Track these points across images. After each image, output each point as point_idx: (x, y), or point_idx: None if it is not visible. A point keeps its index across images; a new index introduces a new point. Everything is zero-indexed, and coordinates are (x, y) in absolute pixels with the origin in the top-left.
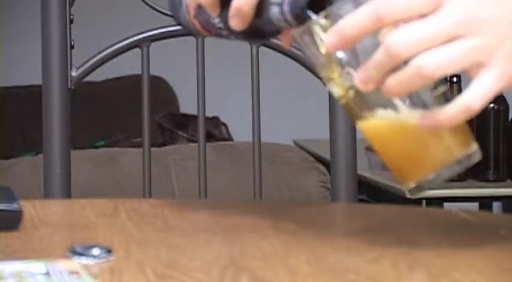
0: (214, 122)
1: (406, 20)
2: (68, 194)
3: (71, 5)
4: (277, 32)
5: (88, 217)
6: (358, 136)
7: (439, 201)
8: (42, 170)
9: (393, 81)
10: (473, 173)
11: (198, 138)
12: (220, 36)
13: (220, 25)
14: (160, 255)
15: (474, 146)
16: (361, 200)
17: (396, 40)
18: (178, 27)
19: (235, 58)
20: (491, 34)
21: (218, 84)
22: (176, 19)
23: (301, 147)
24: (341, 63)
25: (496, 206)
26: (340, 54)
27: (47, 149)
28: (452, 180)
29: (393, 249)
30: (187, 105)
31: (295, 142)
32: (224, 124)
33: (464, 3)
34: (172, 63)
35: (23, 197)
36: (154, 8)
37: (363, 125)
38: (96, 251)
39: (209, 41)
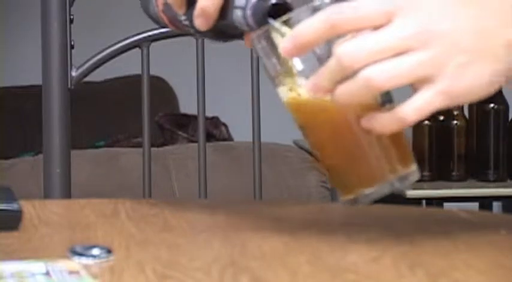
0: (214, 122)
1: (359, 30)
2: (68, 194)
3: (71, 5)
4: (242, 34)
5: (88, 217)
6: None
7: (439, 201)
8: (42, 170)
9: (342, 91)
10: (473, 173)
11: (198, 138)
12: (187, 32)
13: (187, 23)
14: (160, 255)
15: (414, 166)
16: None
17: (347, 51)
18: None
19: (235, 58)
20: (441, 48)
21: (218, 84)
22: (145, 11)
23: (301, 148)
24: (294, 70)
25: (496, 206)
26: (295, 61)
27: (47, 149)
28: (452, 180)
29: (393, 249)
30: (187, 105)
31: (295, 142)
32: (224, 124)
33: (415, 17)
34: (172, 63)
35: (23, 197)
36: None
37: (306, 132)
38: (96, 251)
39: (209, 41)
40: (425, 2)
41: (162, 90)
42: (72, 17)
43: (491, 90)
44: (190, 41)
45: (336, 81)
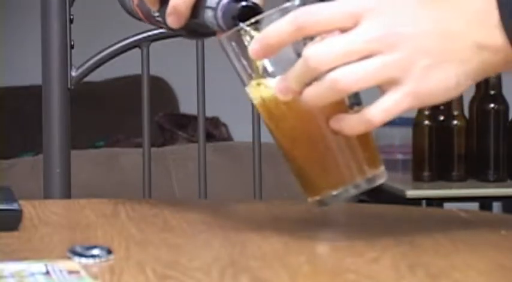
0: (214, 122)
1: (326, 32)
2: (68, 194)
3: (71, 5)
4: (214, 33)
5: (88, 217)
6: None
7: (439, 201)
8: (42, 170)
9: (309, 93)
10: (473, 173)
11: (198, 138)
12: (161, 28)
13: (160, 19)
14: (160, 255)
15: (382, 167)
16: (361, 200)
17: (314, 53)
18: None
19: None
20: (406, 51)
21: (218, 84)
22: (122, 4)
23: None
24: (262, 72)
25: (496, 206)
26: (264, 63)
27: (47, 149)
28: (452, 180)
29: (393, 249)
30: (187, 105)
31: None
32: (224, 124)
33: (381, 19)
34: (172, 63)
35: (23, 197)
36: None
37: (275, 133)
38: (96, 251)
39: (209, 41)
40: (391, 5)
41: (162, 90)
42: (72, 17)
43: (459, 91)
44: (190, 41)
45: (304, 83)
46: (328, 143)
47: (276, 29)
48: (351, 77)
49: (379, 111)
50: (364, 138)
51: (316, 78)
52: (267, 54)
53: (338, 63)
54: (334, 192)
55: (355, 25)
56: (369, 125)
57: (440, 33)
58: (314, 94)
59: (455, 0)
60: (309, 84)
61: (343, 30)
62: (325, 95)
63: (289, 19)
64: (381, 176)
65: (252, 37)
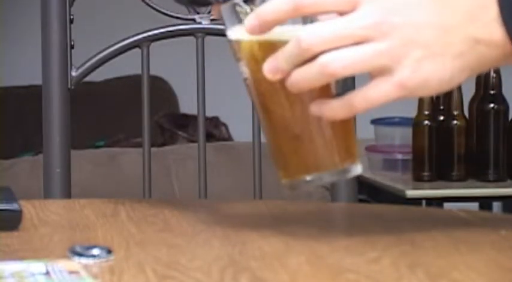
0: (214, 122)
1: (322, 13)
2: (68, 194)
3: (71, 5)
4: (210, 3)
5: (88, 217)
6: (358, 136)
7: (439, 201)
8: (42, 170)
9: (298, 75)
10: (473, 173)
11: (198, 138)
12: None
13: None
14: (160, 255)
15: (358, 161)
16: (361, 200)
17: (308, 35)
18: (178, 27)
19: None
20: (400, 40)
21: (218, 84)
22: None
23: None
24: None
25: (496, 206)
26: (258, 38)
27: (47, 149)
28: (452, 180)
29: (393, 249)
30: (187, 105)
31: None
32: (224, 124)
33: (378, 7)
34: (172, 63)
35: (23, 197)
36: (154, 8)
37: (259, 108)
38: (96, 251)
39: (209, 41)
40: None
41: (162, 90)
42: (72, 17)
43: (452, 85)
44: (190, 41)
45: (294, 64)
46: (309, 128)
47: (273, 6)
48: (340, 62)
49: (363, 98)
50: (345, 130)
51: (307, 60)
52: (262, 30)
53: (330, 46)
54: (308, 178)
55: (352, 9)
56: (351, 111)
57: (436, 25)
58: (302, 77)
59: None
60: (299, 66)
61: (340, 14)
62: (313, 78)
63: None
64: (355, 170)
65: (246, 13)
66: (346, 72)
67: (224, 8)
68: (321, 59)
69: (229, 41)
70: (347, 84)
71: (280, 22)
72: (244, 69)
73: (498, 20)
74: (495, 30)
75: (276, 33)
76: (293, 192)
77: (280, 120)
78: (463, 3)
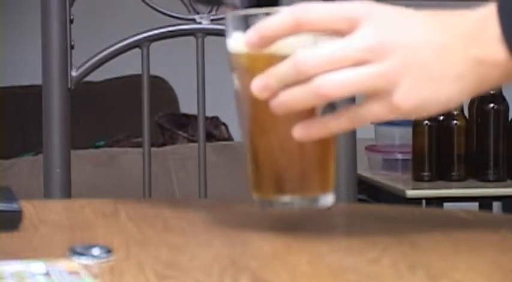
0: (214, 122)
1: (322, 31)
2: (68, 194)
3: (71, 5)
4: (222, 3)
5: (88, 217)
6: (358, 136)
7: (439, 201)
8: (42, 170)
9: (289, 95)
10: (473, 173)
11: (198, 138)
12: None
13: None
14: (160, 255)
15: (332, 192)
16: (361, 200)
17: (305, 56)
18: (178, 27)
19: None
20: (398, 62)
21: (218, 84)
22: None
23: None
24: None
25: (496, 206)
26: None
27: (47, 149)
28: (452, 180)
29: (393, 249)
30: (187, 105)
31: None
32: (224, 124)
33: (376, 27)
34: (172, 63)
35: (23, 197)
36: (154, 8)
37: (243, 122)
38: (96, 251)
39: (209, 41)
40: (388, 14)
41: (162, 90)
42: (72, 17)
43: (449, 106)
44: (190, 41)
45: (285, 84)
46: (289, 149)
47: (274, 21)
48: (335, 84)
49: (354, 117)
50: (325, 158)
51: (298, 81)
52: (262, 45)
53: (327, 68)
54: (277, 199)
55: (351, 28)
56: (339, 127)
57: (435, 45)
58: (294, 97)
59: (454, 13)
60: (288, 86)
61: (339, 32)
62: (305, 99)
63: (288, 13)
64: (326, 201)
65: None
66: (340, 94)
67: (228, 16)
68: (317, 81)
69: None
70: (332, 105)
71: (280, 38)
72: (236, 81)
73: (500, 39)
74: (497, 49)
75: (272, 49)
76: (262, 210)
77: (262, 137)
78: (463, 23)
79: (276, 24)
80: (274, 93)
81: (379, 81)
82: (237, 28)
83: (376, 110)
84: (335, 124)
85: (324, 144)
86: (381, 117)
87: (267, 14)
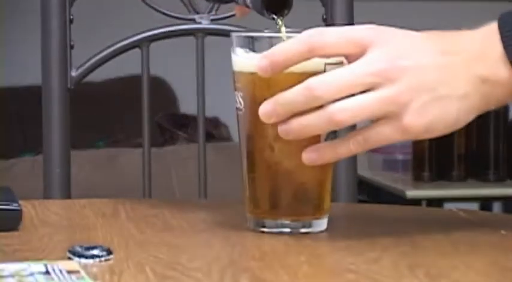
0: (214, 122)
1: (334, 55)
2: (68, 194)
3: (70, 5)
4: (236, 2)
5: (88, 217)
6: None
7: (439, 201)
8: (42, 170)
9: (301, 122)
10: (473, 173)
11: (198, 138)
12: None
13: None
14: (160, 255)
15: (325, 217)
16: (361, 200)
17: (317, 83)
18: (178, 27)
19: None
20: (407, 85)
21: (218, 84)
22: None
23: None
24: None
25: (496, 206)
26: None
27: (47, 149)
28: (452, 180)
29: (393, 249)
30: (187, 105)
31: None
32: (224, 124)
33: (385, 52)
34: (172, 63)
35: (23, 197)
36: (154, 8)
37: (244, 141)
38: (96, 251)
39: (209, 41)
40: (395, 37)
41: (162, 90)
42: (72, 17)
43: (457, 127)
44: (190, 41)
45: (296, 111)
46: (287, 174)
47: (286, 47)
48: (349, 111)
49: (364, 140)
50: (322, 183)
51: (308, 107)
52: (275, 71)
53: (339, 95)
54: (271, 222)
55: (361, 52)
56: (352, 152)
57: (441, 67)
58: (307, 124)
59: (457, 33)
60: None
61: (348, 56)
62: (319, 126)
63: (301, 39)
64: (319, 226)
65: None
66: (354, 120)
67: (235, 36)
68: (330, 108)
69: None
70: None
71: (291, 64)
72: (240, 100)
73: (503, 59)
74: (500, 69)
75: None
76: (256, 228)
77: (262, 160)
78: (468, 44)
79: (288, 50)
80: (282, 119)
81: (389, 105)
82: (241, 46)
83: (387, 133)
84: (345, 148)
85: (321, 168)
86: (392, 139)
87: (270, 37)
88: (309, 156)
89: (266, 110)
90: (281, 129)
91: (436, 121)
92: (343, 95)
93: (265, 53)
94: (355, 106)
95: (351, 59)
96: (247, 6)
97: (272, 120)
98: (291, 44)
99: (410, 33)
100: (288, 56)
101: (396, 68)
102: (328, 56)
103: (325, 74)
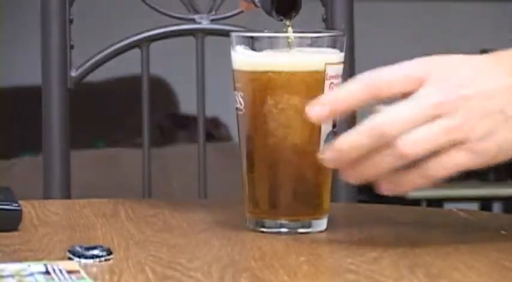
0: (214, 122)
1: (394, 95)
2: (68, 194)
3: (70, 5)
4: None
5: (88, 217)
6: None
7: (439, 201)
8: (42, 170)
9: (372, 165)
10: (473, 173)
11: (198, 138)
12: None
13: None
14: (160, 255)
15: (325, 217)
16: (361, 200)
17: (385, 121)
18: (178, 27)
19: None
20: (472, 112)
21: (218, 84)
22: None
23: None
24: None
25: (497, 206)
26: None
27: (47, 149)
28: (452, 180)
29: (393, 249)
30: (187, 105)
31: None
32: (224, 124)
33: (443, 83)
34: (172, 63)
35: (23, 197)
36: (154, 8)
37: (243, 142)
38: (96, 251)
39: (209, 41)
40: (452, 66)
41: (162, 90)
42: (72, 17)
43: None
44: (190, 41)
45: (358, 154)
46: (288, 174)
47: (347, 94)
48: (418, 145)
49: (440, 168)
50: (323, 184)
51: (376, 146)
52: (333, 117)
53: (407, 130)
54: (271, 222)
55: (417, 88)
56: (429, 180)
57: (506, 89)
58: (379, 163)
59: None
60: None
61: (406, 94)
62: (391, 163)
63: (361, 83)
64: (318, 226)
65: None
66: (424, 153)
67: (235, 36)
68: (400, 145)
69: (232, 69)
70: (334, 131)
71: (353, 109)
72: (240, 100)
73: None
74: None
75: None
76: (255, 228)
77: (263, 160)
78: None
79: (351, 97)
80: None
81: (455, 134)
82: (241, 44)
83: (459, 159)
84: (424, 177)
85: (320, 168)
86: (464, 165)
87: (270, 37)
88: (385, 187)
89: (328, 157)
90: (348, 174)
91: (503, 144)
92: (409, 129)
93: (322, 99)
94: (423, 139)
95: (409, 95)
96: (256, 5)
97: (334, 167)
98: (352, 88)
99: (470, 58)
100: (350, 103)
101: (456, 99)
102: (390, 96)
103: (385, 111)
